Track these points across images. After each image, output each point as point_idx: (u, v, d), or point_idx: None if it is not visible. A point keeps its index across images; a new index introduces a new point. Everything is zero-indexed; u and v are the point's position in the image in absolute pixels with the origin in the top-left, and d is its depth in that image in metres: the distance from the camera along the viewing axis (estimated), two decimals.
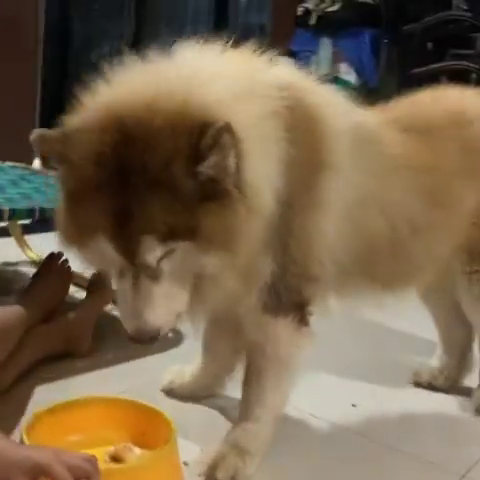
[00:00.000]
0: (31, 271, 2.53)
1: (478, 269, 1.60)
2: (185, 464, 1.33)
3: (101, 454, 1.25)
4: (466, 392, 1.78)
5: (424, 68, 4.19)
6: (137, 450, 1.32)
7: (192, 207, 1.06)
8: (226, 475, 1.30)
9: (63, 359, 1.78)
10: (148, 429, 1.34)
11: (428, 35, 4.35)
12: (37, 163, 3.31)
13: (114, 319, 2.05)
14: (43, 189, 2.20)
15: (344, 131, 1.33)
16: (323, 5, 4.60)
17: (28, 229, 2.74)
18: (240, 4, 5.72)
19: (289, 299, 1.31)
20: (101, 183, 1.07)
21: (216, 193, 1.08)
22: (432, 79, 4.39)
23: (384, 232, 1.38)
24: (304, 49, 4.66)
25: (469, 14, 4.23)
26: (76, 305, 1.95)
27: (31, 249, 2.72)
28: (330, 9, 4.57)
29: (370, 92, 4.66)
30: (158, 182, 1.05)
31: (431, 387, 1.82)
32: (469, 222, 1.53)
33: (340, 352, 1.98)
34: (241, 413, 1.39)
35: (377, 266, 1.43)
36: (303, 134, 1.25)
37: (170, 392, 1.63)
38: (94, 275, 1.94)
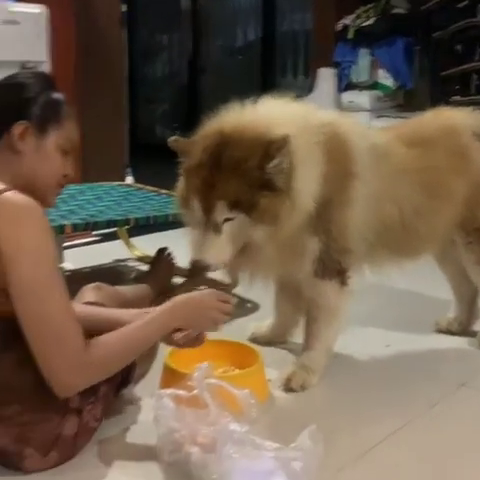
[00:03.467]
0: (136, 265, 3.25)
1: (471, 241, 2.18)
2: (269, 381, 1.98)
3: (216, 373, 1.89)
4: (474, 334, 2.36)
5: (453, 69, 4.68)
6: (237, 371, 1.99)
7: (255, 190, 1.69)
8: (297, 384, 1.95)
9: None
10: (244, 358, 1.98)
11: (455, 40, 4.82)
12: (130, 180, 4.06)
13: None
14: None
15: (364, 149, 1.95)
16: (359, 21, 5.11)
17: (131, 232, 3.38)
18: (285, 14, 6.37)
19: (332, 267, 1.94)
20: (202, 163, 1.73)
21: (272, 186, 1.70)
22: (463, 78, 4.91)
23: (395, 216, 1.98)
24: (345, 60, 5.23)
25: None
26: (178, 286, 2.64)
27: (136, 248, 3.34)
28: (365, 23, 5.08)
29: (407, 93, 5.22)
30: (237, 169, 1.68)
31: (449, 332, 2.40)
32: (460, 207, 2.12)
33: (378, 310, 2.62)
34: (304, 346, 2.04)
35: (393, 240, 2.02)
36: (337, 155, 1.87)
37: (254, 340, 2.26)
38: (191, 266, 2.61)
